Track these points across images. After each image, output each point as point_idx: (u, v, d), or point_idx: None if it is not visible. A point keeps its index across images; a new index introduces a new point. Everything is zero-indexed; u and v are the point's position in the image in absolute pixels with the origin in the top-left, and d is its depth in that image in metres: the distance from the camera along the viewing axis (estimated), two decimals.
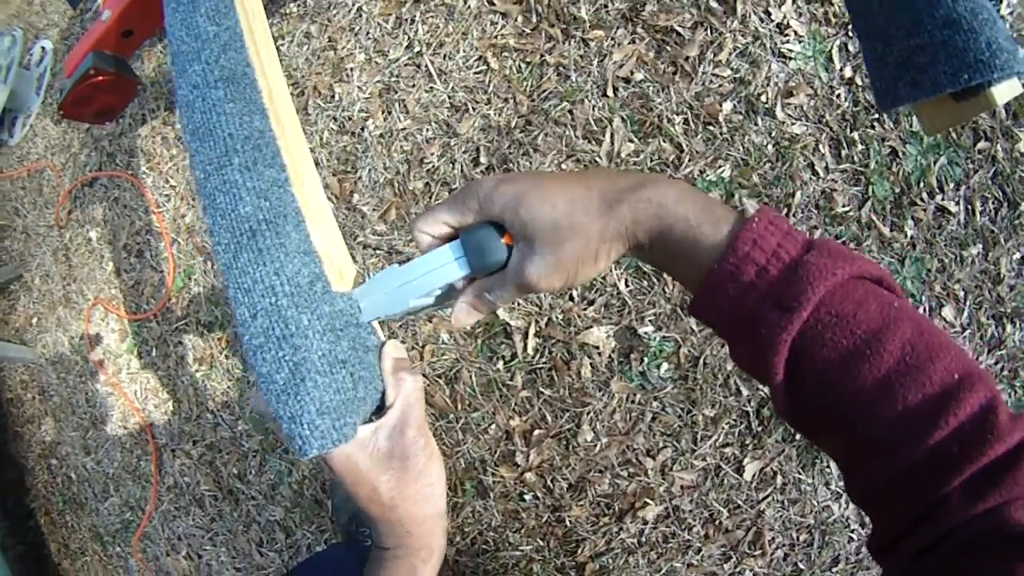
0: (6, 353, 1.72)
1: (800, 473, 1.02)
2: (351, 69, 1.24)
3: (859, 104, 1.01)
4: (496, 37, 1.14)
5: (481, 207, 0.35)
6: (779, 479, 1.02)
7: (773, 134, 1.01)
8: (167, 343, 1.44)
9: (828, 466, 1.03)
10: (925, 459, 0.28)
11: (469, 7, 1.16)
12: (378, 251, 1.19)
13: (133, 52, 1.18)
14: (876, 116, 1.01)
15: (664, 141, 1.04)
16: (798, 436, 1.03)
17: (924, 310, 0.99)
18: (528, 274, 0.33)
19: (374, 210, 1.20)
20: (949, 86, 0.36)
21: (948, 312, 0.99)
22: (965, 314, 0.99)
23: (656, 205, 0.32)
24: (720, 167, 1.03)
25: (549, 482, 1.09)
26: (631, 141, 1.06)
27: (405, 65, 1.20)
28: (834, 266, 0.29)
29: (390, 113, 1.20)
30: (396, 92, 1.20)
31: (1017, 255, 0.98)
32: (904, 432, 0.28)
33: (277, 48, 1.31)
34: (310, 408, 0.33)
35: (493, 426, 1.12)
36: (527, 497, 1.11)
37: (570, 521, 1.08)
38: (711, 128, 1.03)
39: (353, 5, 1.25)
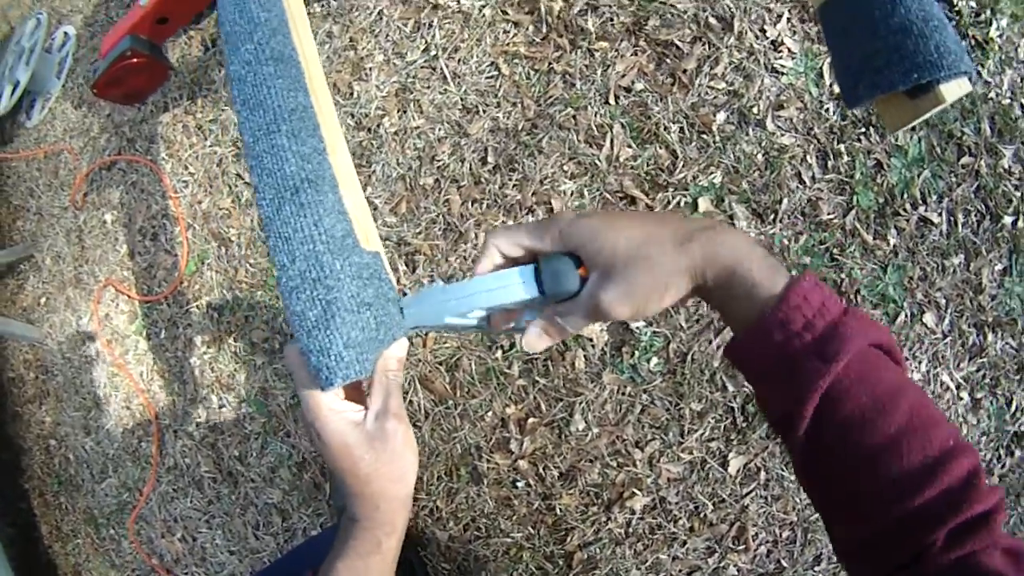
0: (12, 331, 1.72)
1: (783, 470, 1.05)
2: (370, 69, 1.30)
3: (847, 118, 1.04)
4: (508, 45, 1.21)
5: (561, 237, 0.38)
6: (762, 475, 1.05)
7: (763, 144, 1.06)
8: (176, 325, 1.48)
9: None
10: (917, 511, 0.32)
11: (484, 15, 1.22)
12: (388, 242, 1.23)
13: (166, 39, 1.23)
14: (863, 130, 1.04)
15: (660, 147, 1.10)
16: None
17: (906, 316, 1.02)
18: (601, 299, 0.36)
19: (386, 203, 1.25)
20: (901, 84, 0.41)
21: (929, 319, 1.01)
22: (946, 321, 1.01)
23: (725, 248, 0.36)
24: (712, 173, 1.08)
25: (541, 470, 1.13)
26: (629, 146, 1.11)
27: (421, 67, 1.26)
28: (866, 330, 0.34)
29: (405, 112, 1.26)
30: (412, 92, 1.26)
31: (999, 266, 1.00)
32: (904, 486, 0.32)
33: None
34: (338, 341, 0.38)
35: (490, 413, 1.16)
36: (519, 484, 1.14)
37: (560, 509, 1.11)
38: (704, 137, 1.09)
39: (374, 8, 1.31)
